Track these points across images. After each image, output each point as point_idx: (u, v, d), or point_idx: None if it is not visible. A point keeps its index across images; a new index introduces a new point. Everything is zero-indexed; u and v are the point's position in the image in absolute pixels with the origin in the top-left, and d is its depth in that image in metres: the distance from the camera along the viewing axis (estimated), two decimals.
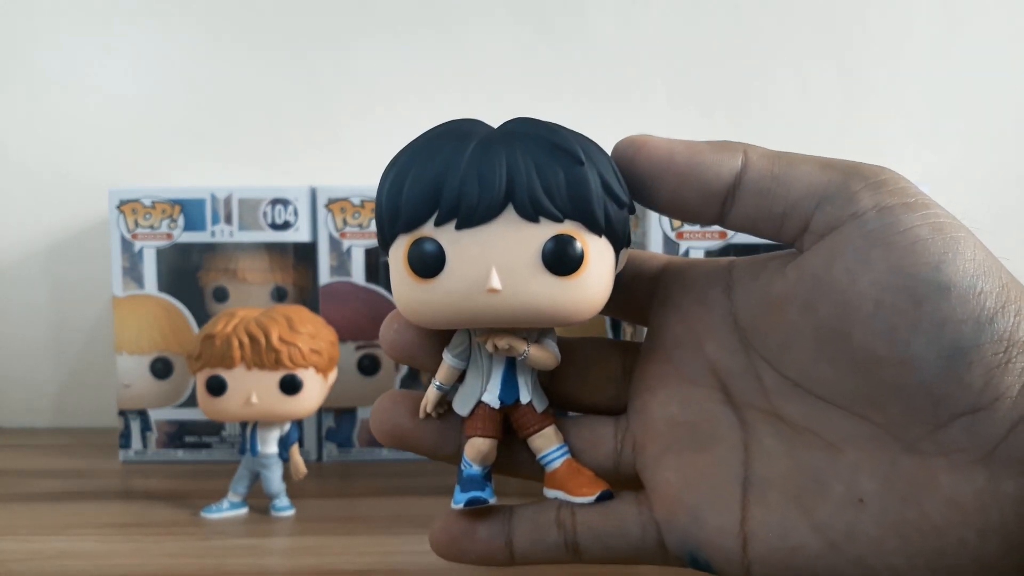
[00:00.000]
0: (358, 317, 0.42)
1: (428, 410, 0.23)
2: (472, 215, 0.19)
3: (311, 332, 0.38)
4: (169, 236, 0.48)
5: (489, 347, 0.21)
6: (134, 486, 0.45)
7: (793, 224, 0.17)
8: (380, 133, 0.61)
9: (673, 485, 0.18)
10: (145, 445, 0.49)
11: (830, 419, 0.16)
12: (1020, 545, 0.14)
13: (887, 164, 0.19)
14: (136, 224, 0.48)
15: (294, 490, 0.41)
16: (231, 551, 0.35)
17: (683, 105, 0.61)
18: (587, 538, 0.20)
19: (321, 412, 0.49)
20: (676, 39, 0.61)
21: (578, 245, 0.19)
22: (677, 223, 0.39)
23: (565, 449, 0.22)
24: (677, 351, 0.19)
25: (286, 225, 0.48)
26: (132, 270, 0.49)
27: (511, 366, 0.22)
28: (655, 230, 0.39)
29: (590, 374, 0.22)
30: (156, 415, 0.49)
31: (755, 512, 0.16)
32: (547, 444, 0.22)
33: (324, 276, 0.48)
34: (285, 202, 0.48)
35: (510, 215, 0.19)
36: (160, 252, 0.48)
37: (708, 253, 0.39)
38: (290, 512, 0.40)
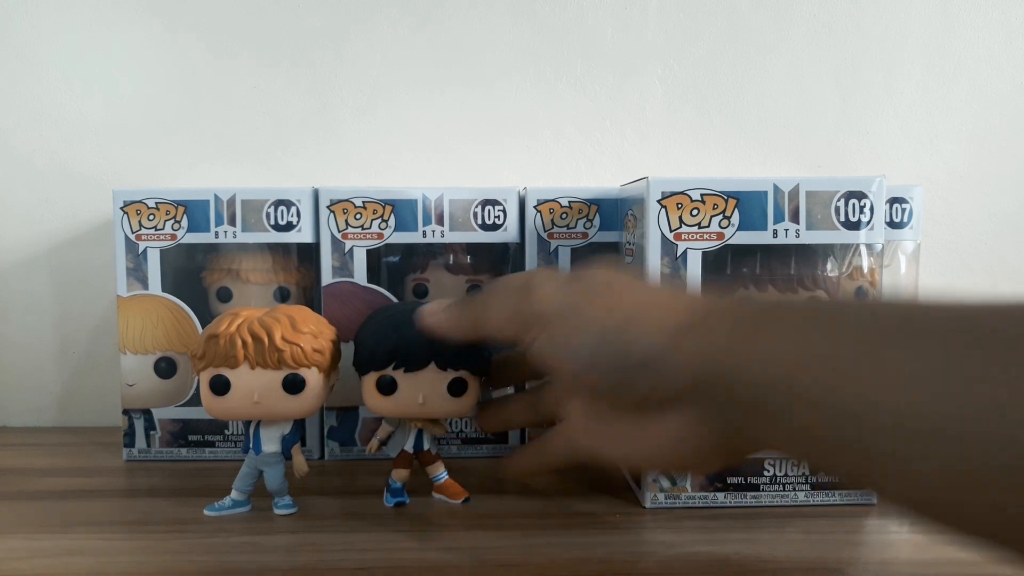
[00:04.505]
0: (360, 317, 0.42)
1: (371, 452, 0.42)
2: (413, 367, 0.39)
3: (313, 332, 0.39)
4: (173, 237, 0.49)
5: (412, 424, 0.41)
6: (138, 484, 0.46)
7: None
8: (382, 134, 0.61)
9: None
10: (149, 444, 0.50)
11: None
12: (693, 442, 0.28)
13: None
14: (140, 225, 0.48)
15: (296, 488, 0.41)
16: (234, 549, 0.35)
17: (680, 106, 0.62)
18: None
19: (323, 411, 0.49)
20: (673, 40, 0.61)
21: (467, 382, 0.39)
22: (675, 223, 0.39)
23: (446, 473, 0.42)
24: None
25: (289, 226, 0.48)
26: (136, 270, 0.49)
27: (420, 432, 0.42)
28: (653, 231, 0.40)
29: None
30: (160, 414, 0.50)
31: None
32: (436, 470, 0.42)
33: (326, 276, 0.48)
34: (288, 203, 0.48)
35: (432, 366, 0.39)
36: (164, 253, 0.49)
37: (705, 254, 0.40)
38: (292, 510, 0.40)
